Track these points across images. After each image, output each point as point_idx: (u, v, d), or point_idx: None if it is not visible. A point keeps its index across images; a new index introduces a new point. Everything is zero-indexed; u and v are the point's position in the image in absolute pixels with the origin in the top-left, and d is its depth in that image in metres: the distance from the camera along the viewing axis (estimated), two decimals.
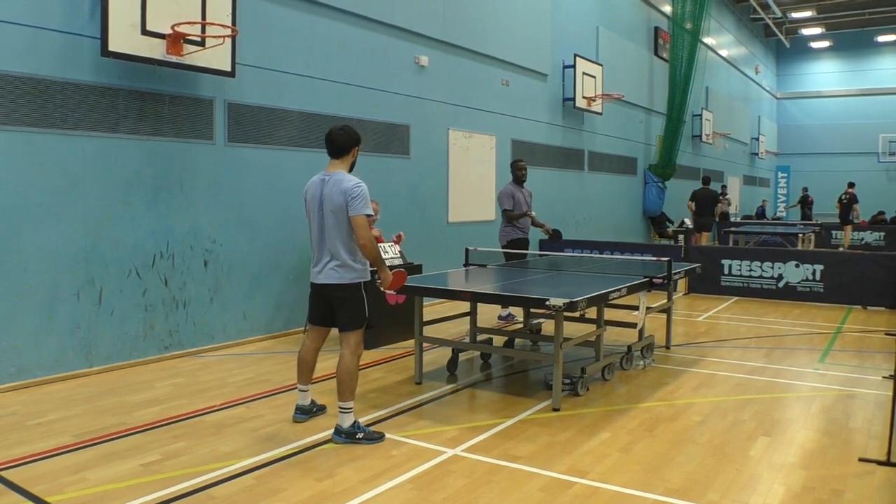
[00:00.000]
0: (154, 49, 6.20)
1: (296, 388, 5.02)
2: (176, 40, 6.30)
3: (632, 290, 5.93)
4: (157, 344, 6.66)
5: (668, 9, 18.84)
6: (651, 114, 18.49)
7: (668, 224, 18.75)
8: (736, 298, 10.89)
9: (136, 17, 6.05)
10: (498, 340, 7.08)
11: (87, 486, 3.83)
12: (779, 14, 27.59)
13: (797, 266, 10.59)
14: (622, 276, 6.53)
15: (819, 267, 10.44)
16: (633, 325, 6.56)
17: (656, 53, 18.70)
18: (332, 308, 4.64)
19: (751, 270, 10.90)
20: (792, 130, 34.13)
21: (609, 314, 6.65)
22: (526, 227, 8.74)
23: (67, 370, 5.97)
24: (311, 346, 4.85)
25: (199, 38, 6.47)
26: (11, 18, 5.59)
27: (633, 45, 17.42)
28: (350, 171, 4.64)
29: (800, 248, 14.51)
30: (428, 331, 6.12)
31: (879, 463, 4.23)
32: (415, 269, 7.70)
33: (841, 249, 16.94)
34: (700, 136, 21.78)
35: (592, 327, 6.32)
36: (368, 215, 4.46)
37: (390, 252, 7.56)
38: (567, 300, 4.93)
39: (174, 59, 6.34)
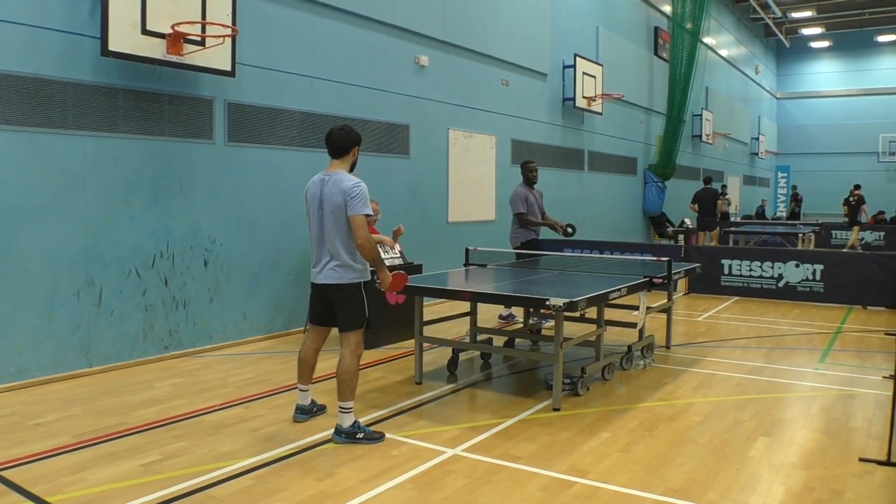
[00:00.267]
0: (154, 49, 6.20)
1: (296, 387, 5.01)
2: (176, 40, 6.30)
3: (632, 289, 5.93)
4: (157, 344, 6.66)
5: (667, 8, 18.85)
6: (651, 114, 18.49)
7: (668, 224, 18.76)
8: (736, 298, 10.89)
9: (136, 16, 6.05)
10: (498, 340, 7.08)
11: (87, 486, 3.83)
12: (779, 14, 27.59)
13: (797, 266, 10.58)
14: (622, 275, 6.53)
15: (819, 267, 10.44)
16: (633, 325, 6.56)
17: (656, 53, 18.71)
18: (332, 308, 4.64)
19: (751, 270, 10.90)
20: (792, 130, 34.14)
21: (609, 314, 6.65)
22: (538, 228, 8.69)
23: (67, 370, 5.97)
24: (312, 345, 4.85)
25: (199, 38, 6.47)
26: (11, 18, 5.59)
27: (632, 45, 17.42)
28: (351, 171, 4.64)
29: (800, 247, 14.51)
30: (428, 331, 6.12)
31: (879, 463, 4.22)
32: (415, 268, 7.70)
33: (844, 249, 16.92)
34: (700, 136, 21.79)
35: (592, 327, 6.32)
36: (368, 215, 4.46)
37: (390, 252, 7.57)
38: (567, 300, 4.93)
39: (174, 58, 6.34)
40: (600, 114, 15.09)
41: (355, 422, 4.54)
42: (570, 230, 8.67)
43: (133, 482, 3.87)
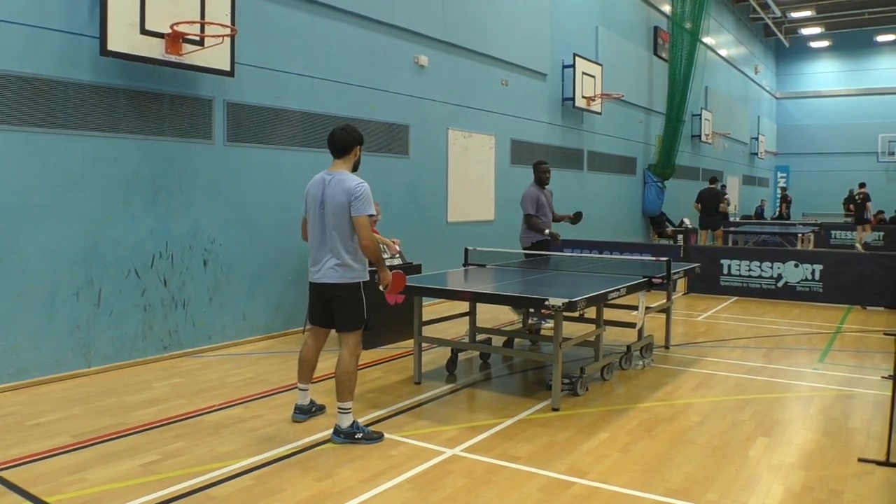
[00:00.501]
0: (153, 48, 6.20)
1: (295, 387, 5.02)
2: (175, 40, 6.30)
3: (631, 289, 5.93)
4: (157, 344, 6.65)
5: (667, 8, 18.84)
6: (650, 113, 18.49)
7: (668, 224, 18.76)
8: (735, 298, 10.89)
9: (136, 16, 6.05)
10: (497, 340, 7.08)
11: (86, 486, 3.83)
12: (778, 14, 27.59)
13: (796, 266, 10.59)
14: (621, 275, 6.53)
15: (818, 267, 10.44)
16: (633, 325, 6.55)
17: (656, 53, 18.70)
18: (330, 308, 4.64)
19: (750, 270, 10.90)
20: (791, 130, 34.13)
21: (608, 314, 6.65)
22: (549, 227, 8.61)
23: (66, 370, 5.97)
24: (313, 345, 4.86)
25: (198, 38, 6.47)
26: (11, 18, 5.59)
27: (632, 45, 17.42)
28: (354, 171, 4.65)
29: (799, 248, 14.52)
30: (427, 331, 6.12)
31: (878, 463, 4.23)
32: (414, 269, 7.70)
33: (856, 250, 16.92)
34: (699, 136, 21.78)
35: (592, 327, 6.33)
36: (371, 215, 4.48)
37: (388, 253, 7.56)
38: (566, 300, 4.94)
39: (173, 58, 6.33)
40: (600, 114, 15.09)
41: (354, 422, 4.55)
42: (575, 216, 8.63)
43: (132, 482, 3.87)
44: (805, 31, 31.65)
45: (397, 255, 7.74)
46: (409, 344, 6.97)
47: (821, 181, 32.17)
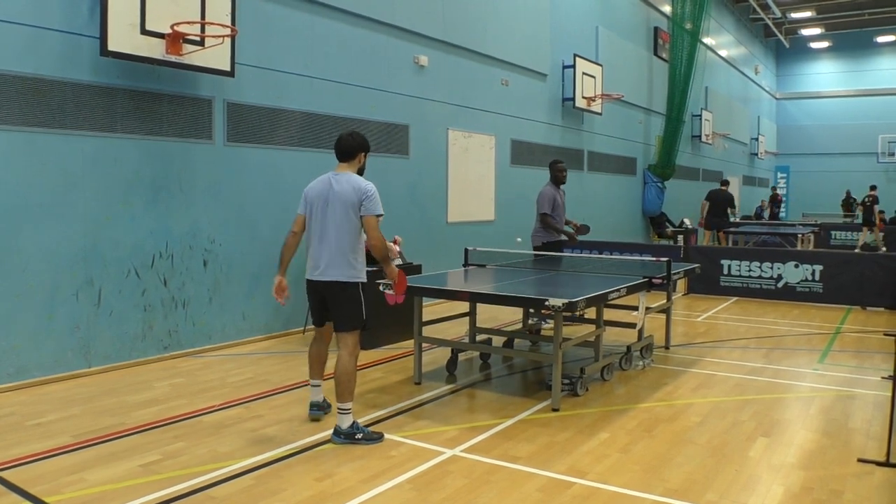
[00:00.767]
0: (153, 49, 6.20)
1: (296, 387, 5.01)
2: (175, 40, 6.30)
3: (631, 290, 5.93)
4: (157, 344, 6.65)
5: (667, 9, 18.84)
6: (650, 114, 18.49)
7: (668, 224, 18.76)
8: (735, 299, 10.89)
9: (136, 16, 6.05)
10: (497, 341, 7.08)
11: (86, 486, 3.82)
12: (778, 14, 27.59)
13: (796, 266, 10.59)
14: (621, 276, 6.53)
15: (818, 267, 10.44)
16: (633, 326, 6.56)
17: (656, 53, 18.71)
18: (327, 307, 4.68)
19: (750, 271, 10.90)
20: (791, 131, 34.14)
21: (608, 314, 6.65)
22: (563, 227, 8.56)
23: (66, 370, 5.97)
24: (319, 342, 4.93)
25: (198, 38, 6.47)
26: (11, 18, 5.59)
27: (632, 45, 17.42)
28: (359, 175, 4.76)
29: (799, 248, 14.52)
30: (427, 331, 6.12)
31: (878, 464, 4.23)
32: (414, 269, 7.70)
33: (882, 251, 16.92)
34: (699, 137, 21.79)
35: (592, 327, 6.32)
36: (380, 216, 4.59)
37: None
38: (566, 300, 4.94)
39: (173, 58, 6.34)
40: (600, 114, 15.09)
41: (354, 423, 4.55)
42: (581, 228, 8.62)
43: (132, 482, 3.87)
44: (805, 32, 31.66)
45: (397, 258, 7.74)
46: (410, 344, 6.97)
47: (821, 182, 32.19)
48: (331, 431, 4.60)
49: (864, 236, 19.22)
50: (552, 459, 4.26)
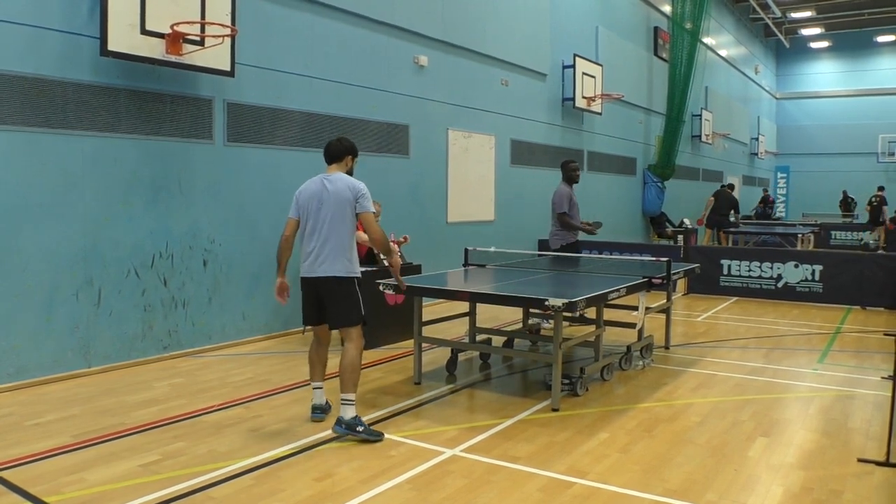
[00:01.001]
0: (153, 49, 6.20)
1: (296, 387, 5.02)
2: (175, 40, 6.30)
3: (631, 290, 5.93)
4: (156, 344, 6.65)
5: (667, 9, 18.84)
6: (650, 114, 18.48)
7: (668, 224, 18.76)
8: (735, 299, 10.89)
9: (136, 16, 6.05)
10: (497, 341, 7.08)
11: (86, 486, 3.83)
12: (778, 14, 27.58)
13: (796, 266, 10.59)
14: (621, 276, 6.53)
15: (818, 267, 10.45)
16: (633, 326, 6.56)
17: (656, 53, 18.70)
18: (323, 304, 4.73)
19: (750, 271, 10.90)
20: (791, 131, 34.13)
21: (608, 314, 6.65)
22: (580, 224, 8.51)
23: (66, 370, 5.97)
24: (318, 344, 4.95)
25: (198, 38, 6.47)
26: (11, 18, 5.59)
27: (632, 45, 17.42)
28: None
29: (799, 248, 14.52)
30: (427, 331, 6.12)
31: (878, 463, 4.23)
32: (414, 269, 7.69)
33: (880, 252, 16.93)
34: (699, 136, 21.78)
35: (592, 327, 6.32)
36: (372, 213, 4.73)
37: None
38: (566, 300, 4.94)
39: (173, 58, 6.34)
40: (600, 114, 15.08)
41: (356, 416, 4.56)
42: (594, 225, 8.60)
43: (132, 482, 3.87)
44: (805, 32, 31.65)
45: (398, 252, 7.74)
46: (409, 344, 6.97)
47: (821, 181, 32.17)
48: (330, 431, 4.60)
49: (873, 236, 19.26)
50: (552, 459, 4.27)
